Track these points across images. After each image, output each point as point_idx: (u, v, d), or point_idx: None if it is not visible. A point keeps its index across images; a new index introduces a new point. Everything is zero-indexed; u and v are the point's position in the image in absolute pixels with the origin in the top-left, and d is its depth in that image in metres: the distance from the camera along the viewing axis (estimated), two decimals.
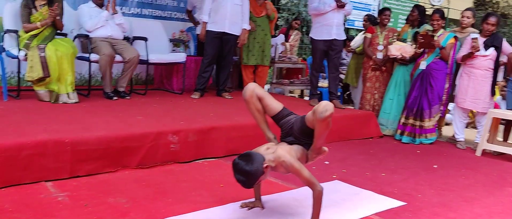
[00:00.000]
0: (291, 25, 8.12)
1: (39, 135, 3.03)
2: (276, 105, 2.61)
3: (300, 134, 2.51)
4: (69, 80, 4.29)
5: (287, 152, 2.43)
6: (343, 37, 5.62)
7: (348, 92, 7.52)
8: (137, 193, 2.89)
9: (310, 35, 5.70)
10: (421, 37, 5.13)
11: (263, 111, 2.62)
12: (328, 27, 5.46)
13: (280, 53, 7.29)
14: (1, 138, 2.89)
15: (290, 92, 7.71)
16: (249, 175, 2.25)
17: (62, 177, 3.00)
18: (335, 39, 5.49)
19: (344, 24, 5.68)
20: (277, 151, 2.42)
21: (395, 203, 3.04)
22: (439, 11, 5.29)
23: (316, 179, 2.44)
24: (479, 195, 3.42)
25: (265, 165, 2.31)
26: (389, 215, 2.81)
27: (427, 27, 5.54)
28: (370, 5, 10.44)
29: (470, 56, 5.01)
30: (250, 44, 6.18)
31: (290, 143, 2.57)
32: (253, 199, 2.80)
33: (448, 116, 6.70)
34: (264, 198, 2.85)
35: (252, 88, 2.56)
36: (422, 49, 5.22)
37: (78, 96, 4.49)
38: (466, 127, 5.66)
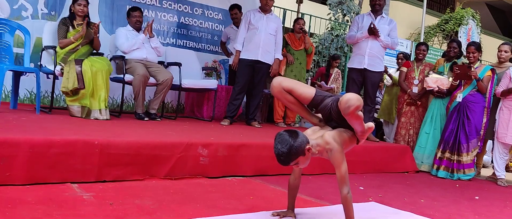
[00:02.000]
0: (330, 64, 8.00)
1: (68, 136, 2.98)
2: (308, 93, 2.44)
3: (340, 120, 2.38)
4: (103, 96, 4.30)
5: (334, 139, 2.30)
6: (378, 69, 5.44)
7: (381, 131, 7.32)
8: (165, 198, 2.77)
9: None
10: (458, 68, 4.99)
11: (297, 101, 2.48)
12: (360, 57, 5.39)
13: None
14: (30, 134, 2.86)
15: None
16: (291, 148, 2.14)
17: (88, 180, 2.93)
18: (366, 69, 5.37)
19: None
20: (324, 136, 2.31)
21: None
22: (474, 44, 5.17)
23: (348, 182, 2.32)
24: None
25: (307, 147, 2.20)
26: None
27: (463, 60, 5.41)
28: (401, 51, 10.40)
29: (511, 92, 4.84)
30: (287, 76, 6.16)
31: (334, 127, 2.44)
32: (285, 210, 2.64)
33: (485, 158, 6.42)
34: (297, 210, 2.68)
35: (278, 82, 2.42)
36: (458, 81, 5.08)
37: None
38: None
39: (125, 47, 4.94)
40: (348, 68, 5.57)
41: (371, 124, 2.48)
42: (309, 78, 6.82)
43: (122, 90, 4.96)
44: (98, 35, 4.56)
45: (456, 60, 5.36)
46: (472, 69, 4.93)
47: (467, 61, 5.19)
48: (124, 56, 4.94)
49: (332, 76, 7.68)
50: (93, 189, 2.78)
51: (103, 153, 2.98)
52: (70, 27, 4.51)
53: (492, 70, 5.07)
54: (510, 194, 4.39)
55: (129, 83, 4.88)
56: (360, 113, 2.30)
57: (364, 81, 5.45)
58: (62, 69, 4.33)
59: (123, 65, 4.88)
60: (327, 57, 9.84)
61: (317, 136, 2.35)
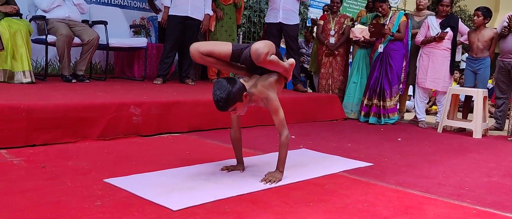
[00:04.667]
0: None
1: None
2: (226, 50, 2.49)
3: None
4: (25, 57, 4.11)
5: (268, 88, 2.41)
6: (293, 21, 5.62)
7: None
8: (99, 158, 2.77)
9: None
10: (372, 26, 5.24)
11: (219, 61, 2.53)
12: (275, 11, 5.57)
13: None
14: None
15: None
16: (229, 94, 2.20)
17: (17, 145, 2.84)
18: (281, 23, 5.54)
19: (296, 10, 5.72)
20: (258, 86, 2.40)
21: (362, 164, 3.04)
22: None
23: (286, 125, 2.44)
24: (443, 158, 3.47)
25: (245, 93, 2.28)
26: (357, 173, 2.80)
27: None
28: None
29: (431, 42, 5.15)
30: (218, 32, 6.14)
31: (261, 73, 2.52)
32: (233, 165, 2.69)
33: (408, 103, 6.85)
34: (233, 161, 2.76)
35: (195, 49, 2.44)
36: (374, 38, 5.32)
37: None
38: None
39: (45, 5, 4.68)
40: (266, 22, 5.70)
41: (291, 60, 2.56)
42: (241, 33, 6.82)
43: (46, 52, 4.74)
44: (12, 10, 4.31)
45: (378, 13, 5.55)
46: (387, 22, 5.19)
47: None
48: (45, 16, 4.69)
49: None
50: (23, 154, 2.71)
51: (30, 117, 2.89)
52: None
53: (406, 15, 5.35)
54: (429, 134, 4.76)
55: (53, 44, 4.67)
56: (273, 57, 2.38)
57: (283, 35, 5.63)
58: None
59: (44, 25, 4.65)
60: (258, 11, 9.86)
61: (250, 85, 2.42)
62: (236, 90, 2.23)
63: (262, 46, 2.30)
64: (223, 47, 2.51)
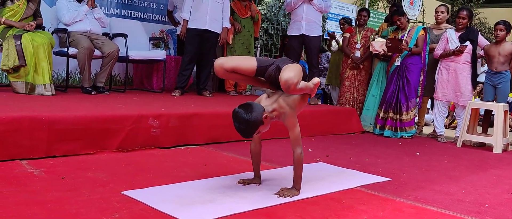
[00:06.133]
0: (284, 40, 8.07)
1: (13, 113, 2.92)
2: (250, 66, 2.50)
3: None
4: (46, 71, 4.18)
5: (288, 104, 2.42)
6: (316, 33, 5.61)
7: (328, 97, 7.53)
8: (117, 170, 2.79)
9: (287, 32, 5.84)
10: (389, 42, 5.21)
11: (243, 76, 2.55)
12: (297, 23, 5.57)
13: None
14: None
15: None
16: (248, 123, 2.23)
17: (37, 156, 2.89)
18: (304, 35, 5.54)
19: (320, 22, 5.72)
20: (279, 101, 2.42)
21: (379, 178, 3.01)
22: (396, 12, 5.43)
23: (301, 143, 2.43)
24: (463, 174, 3.42)
25: (264, 115, 2.29)
26: (375, 188, 2.77)
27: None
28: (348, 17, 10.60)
29: (449, 55, 5.10)
30: (235, 45, 6.19)
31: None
32: (250, 178, 2.70)
33: (427, 117, 6.78)
34: (249, 174, 2.77)
35: (219, 65, 2.46)
36: (391, 53, 5.30)
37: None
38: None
39: (67, 19, 4.78)
40: (288, 35, 5.70)
41: (316, 80, 2.56)
42: (258, 45, 6.85)
43: (67, 64, 4.83)
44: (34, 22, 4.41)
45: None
46: (405, 35, 5.17)
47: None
48: (67, 29, 4.79)
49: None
50: (43, 165, 2.76)
51: (51, 128, 2.94)
52: (8, 1, 4.31)
53: (424, 29, 5.32)
54: (448, 149, 4.70)
55: (74, 56, 4.76)
56: (302, 84, 2.40)
57: (305, 48, 5.63)
58: (1, 45, 4.16)
59: (66, 38, 4.74)
60: (275, 24, 9.90)
61: (272, 101, 2.44)
62: (255, 118, 2.24)
63: (292, 77, 2.31)
64: (248, 64, 2.52)
